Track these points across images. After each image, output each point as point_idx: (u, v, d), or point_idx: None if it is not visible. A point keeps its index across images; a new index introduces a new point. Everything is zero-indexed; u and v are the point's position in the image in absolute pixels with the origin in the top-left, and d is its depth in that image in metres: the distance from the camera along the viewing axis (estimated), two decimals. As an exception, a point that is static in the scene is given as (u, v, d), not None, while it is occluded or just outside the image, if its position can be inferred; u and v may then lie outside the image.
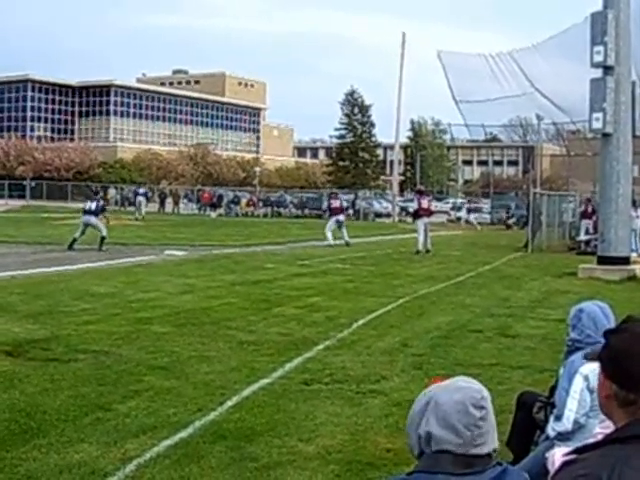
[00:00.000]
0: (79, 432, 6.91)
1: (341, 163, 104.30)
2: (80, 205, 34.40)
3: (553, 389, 5.75)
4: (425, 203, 31.29)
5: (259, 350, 10.44)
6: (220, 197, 72.59)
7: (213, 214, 65.17)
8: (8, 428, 6.94)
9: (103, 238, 28.20)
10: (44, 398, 7.84)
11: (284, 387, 8.57)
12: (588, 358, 2.68)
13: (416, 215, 31.22)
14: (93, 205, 29.31)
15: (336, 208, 34.79)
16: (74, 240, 28.25)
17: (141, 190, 62.25)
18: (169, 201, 76.29)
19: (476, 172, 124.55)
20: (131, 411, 7.55)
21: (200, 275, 19.58)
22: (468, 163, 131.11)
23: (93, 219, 28.82)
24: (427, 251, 29.54)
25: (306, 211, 70.46)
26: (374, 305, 14.71)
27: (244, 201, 72.79)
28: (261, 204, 72.64)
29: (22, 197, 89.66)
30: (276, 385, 8.66)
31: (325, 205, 50.54)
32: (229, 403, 7.90)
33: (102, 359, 9.61)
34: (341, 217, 34.36)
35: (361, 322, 12.76)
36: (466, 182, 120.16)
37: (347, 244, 32.47)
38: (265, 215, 69.11)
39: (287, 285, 18.11)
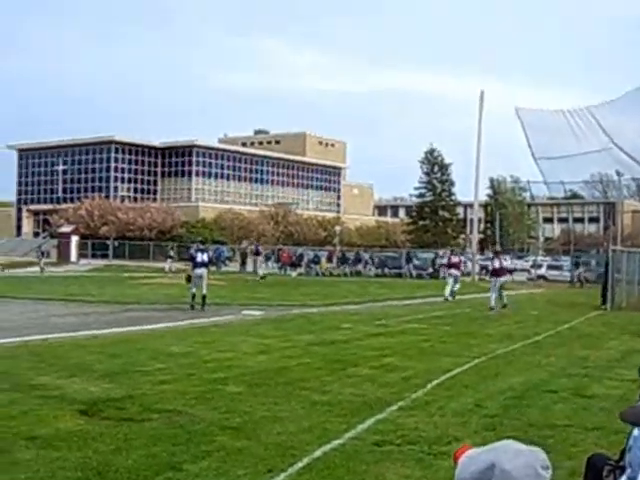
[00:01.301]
0: (149, 492, 6.97)
1: (421, 222, 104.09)
2: (159, 264, 34.66)
3: (624, 452, 5.65)
4: (497, 263, 31.76)
5: (332, 411, 10.41)
6: (300, 256, 72.83)
7: (293, 273, 65.36)
8: (79, 487, 7.02)
9: (204, 296, 28.38)
10: (116, 457, 7.89)
11: (355, 448, 8.52)
12: None
13: (493, 273, 31.83)
14: (205, 257, 29.34)
15: (455, 263, 37.58)
16: (193, 296, 28.45)
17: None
18: (249, 260, 76.71)
19: (556, 229, 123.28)
20: (202, 471, 7.57)
21: (276, 335, 19.61)
22: (549, 220, 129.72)
23: (206, 272, 28.99)
24: (504, 306, 29.89)
25: (386, 270, 70.28)
26: (449, 365, 14.60)
27: (324, 260, 72.95)
28: (341, 264, 72.65)
29: (105, 256, 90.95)
30: (347, 446, 8.61)
31: (441, 261, 51.72)
32: (300, 464, 7.87)
33: (175, 419, 9.65)
34: (457, 272, 37.16)
35: (435, 382, 12.67)
36: (547, 239, 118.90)
37: (446, 299, 33.94)
38: (345, 274, 69.10)
39: (363, 345, 18.06)
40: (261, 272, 58.47)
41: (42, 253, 69.27)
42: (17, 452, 7.93)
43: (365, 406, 10.74)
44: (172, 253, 74.34)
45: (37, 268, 68.44)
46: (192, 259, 29.23)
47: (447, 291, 36.23)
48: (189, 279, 29.25)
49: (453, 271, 37.28)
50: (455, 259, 38.43)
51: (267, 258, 61.71)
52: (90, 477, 7.24)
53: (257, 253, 62.44)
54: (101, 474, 7.34)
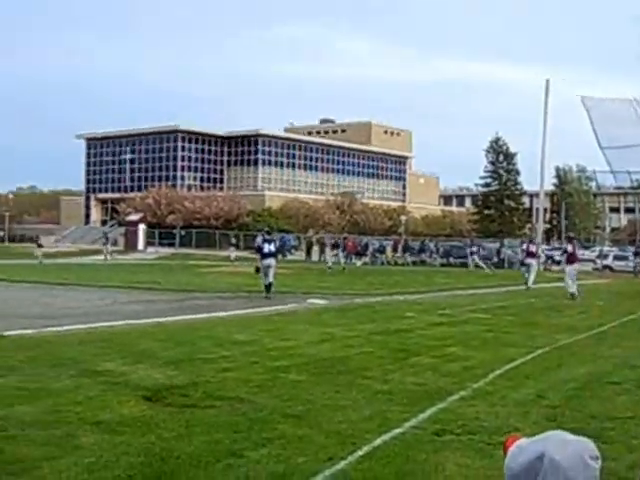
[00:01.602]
0: (210, 478, 7.04)
1: (486, 211, 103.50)
2: (224, 253, 34.74)
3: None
4: (571, 248, 31.72)
5: (393, 400, 10.43)
6: (366, 246, 72.78)
7: (358, 262, 65.36)
8: (142, 472, 7.10)
9: (270, 284, 28.58)
10: (179, 443, 7.98)
11: (415, 437, 8.54)
12: None
13: (568, 260, 31.75)
14: (272, 246, 29.45)
15: (533, 252, 38.16)
16: (268, 286, 28.61)
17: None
18: (315, 249, 76.84)
19: (623, 220, 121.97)
20: (262, 458, 7.63)
21: (340, 324, 19.65)
22: (615, 210, 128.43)
23: (274, 261, 29.16)
24: (572, 295, 29.71)
25: (451, 260, 69.98)
26: (512, 355, 14.52)
27: (389, 249, 72.88)
28: (404, 252, 72.51)
29: (172, 245, 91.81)
30: (408, 435, 8.62)
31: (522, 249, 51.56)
32: (359, 452, 7.89)
33: (238, 406, 9.73)
34: (533, 261, 37.85)
35: (497, 372, 12.62)
36: (613, 230, 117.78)
37: (528, 288, 34.08)
38: (409, 263, 68.91)
39: (426, 334, 18.03)
40: (358, 263, 58.41)
41: (107, 239, 69.92)
42: (82, 437, 8.06)
43: (426, 395, 10.75)
44: (235, 241, 74.76)
45: (103, 256, 69.28)
46: (259, 250, 29.38)
47: (531, 280, 36.60)
48: (258, 270, 29.50)
49: (530, 260, 37.27)
50: (533, 248, 38.49)
51: (335, 246, 61.62)
52: (153, 462, 7.33)
53: (336, 246, 62.23)
54: (164, 460, 7.43)
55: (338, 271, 52.96)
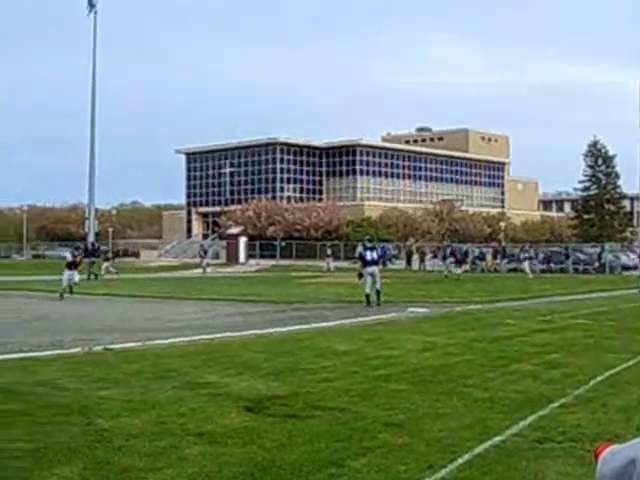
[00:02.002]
0: (311, 487, 7.14)
1: (586, 216, 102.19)
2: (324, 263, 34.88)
3: None
4: None
5: (493, 407, 10.39)
6: (466, 253, 72.40)
7: (459, 270, 65.04)
8: (243, 482, 7.24)
9: (379, 292, 29.09)
10: (280, 453, 8.07)
11: (516, 445, 8.50)
12: None
13: None
14: (375, 254, 29.77)
15: None
16: (367, 296, 29.08)
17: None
18: (415, 258, 76.79)
19: None
20: (363, 467, 7.67)
21: (440, 332, 19.59)
22: None
23: (377, 269, 29.56)
24: None
25: (551, 265, 69.16)
26: (614, 361, 14.32)
27: (489, 257, 72.46)
28: (506, 260, 71.97)
29: (273, 256, 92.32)
30: (508, 443, 8.59)
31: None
32: (460, 461, 7.89)
33: (338, 416, 9.80)
34: None
35: (599, 379, 12.46)
36: None
37: None
38: (510, 270, 68.31)
39: (526, 341, 17.88)
40: (459, 271, 58.10)
41: (205, 253, 70.36)
42: (185, 448, 8.20)
43: (527, 403, 10.68)
44: (330, 252, 75.04)
45: (208, 269, 70.03)
46: (362, 258, 29.57)
47: None
48: (361, 276, 29.78)
49: None
50: None
51: (449, 255, 61.32)
52: (255, 472, 7.43)
53: (450, 254, 61.91)
54: (265, 469, 7.52)
55: (453, 279, 52.68)
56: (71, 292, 35.57)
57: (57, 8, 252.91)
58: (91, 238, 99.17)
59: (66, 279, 35.96)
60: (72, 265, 36.85)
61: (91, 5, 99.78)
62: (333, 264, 71.93)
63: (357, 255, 31.26)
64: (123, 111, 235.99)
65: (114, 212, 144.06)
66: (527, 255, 63.62)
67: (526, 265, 61.02)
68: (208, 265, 69.46)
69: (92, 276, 54.36)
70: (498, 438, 8.74)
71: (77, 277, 36.77)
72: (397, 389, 11.67)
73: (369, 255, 29.21)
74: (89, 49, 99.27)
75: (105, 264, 59.40)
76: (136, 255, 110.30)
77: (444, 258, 61.93)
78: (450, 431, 9.07)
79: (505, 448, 8.39)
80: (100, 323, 23.57)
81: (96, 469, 7.44)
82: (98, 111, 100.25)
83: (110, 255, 66.20)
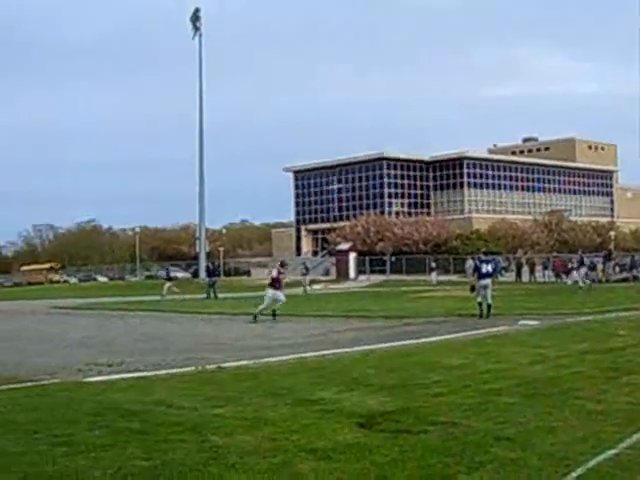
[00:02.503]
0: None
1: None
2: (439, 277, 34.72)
3: None
4: None
5: (606, 420, 10.25)
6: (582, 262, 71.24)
7: (569, 281, 64.08)
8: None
9: (489, 305, 29.26)
10: (393, 469, 8.08)
11: (630, 458, 8.37)
12: None
13: None
14: (490, 267, 30.12)
15: None
16: (480, 305, 29.37)
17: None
18: (525, 269, 75.99)
19: None
20: (475, 482, 7.70)
21: (551, 344, 19.32)
22: None
23: (490, 282, 29.75)
24: None
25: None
26: None
27: (600, 267, 71.27)
28: (617, 269, 70.71)
29: (382, 272, 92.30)
30: (622, 456, 8.46)
31: None
32: (573, 475, 7.80)
33: (450, 430, 9.77)
34: None
35: None
36: None
37: None
38: (623, 280, 67.03)
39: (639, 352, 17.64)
40: (581, 283, 57.09)
41: (307, 270, 70.21)
42: (299, 464, 8.28)
43: (641, 415, 10.55)
44: (435, 265, 74.76)
45: (317, 286, 70.20)
46: (477, 270, 29.74)
47: None
48: (473, 289, 29.91)
49: None
50: None
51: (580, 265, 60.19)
52: (365, 488, 7.48)
53: (581, 265, 60.86)
54: (376, 485, 7.57)
55: (585, 290, 51.80)
56: (274, 315, 31.84)
57: (163, 35, 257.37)
58: (202, 257, 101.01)
59: (270, 298, 32.02)
60: (275, 283, 32.45)
61: (195, 28, 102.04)
62: (437, 277, 71.63)
63: (472, 268, 31.52)
64: (231, 131, 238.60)
65: (224, 231, 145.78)
66: (574, 265, 62.29)
67: (577, 276, 59.65)
68: (313, 282, 69.09)
69: (212, 295, 54.87)
70: (612, 451, 8.63)
71: (283, 297, 32.67)
72: (508, 402, 11.60)
73: (484, 268, 29.60)
74: (196, 72, 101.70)
75: (168, 284, 58.83)
76: (247, 274, 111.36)
77: (576, 269, 60.73)
78: (563, 444, 8.99)
79: (619, 462, 8.28)
80: (213, 342, 23.89)
81: (211, 486, 7.58)
82: (207, 132, 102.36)
83: (172, 275, 65.83)
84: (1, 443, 9.30)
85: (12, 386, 14.31)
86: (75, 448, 9.00)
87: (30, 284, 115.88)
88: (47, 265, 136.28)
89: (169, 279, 60.73)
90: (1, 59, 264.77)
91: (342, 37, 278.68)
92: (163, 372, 16.15)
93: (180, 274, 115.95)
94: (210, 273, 60.00)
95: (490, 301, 29.15)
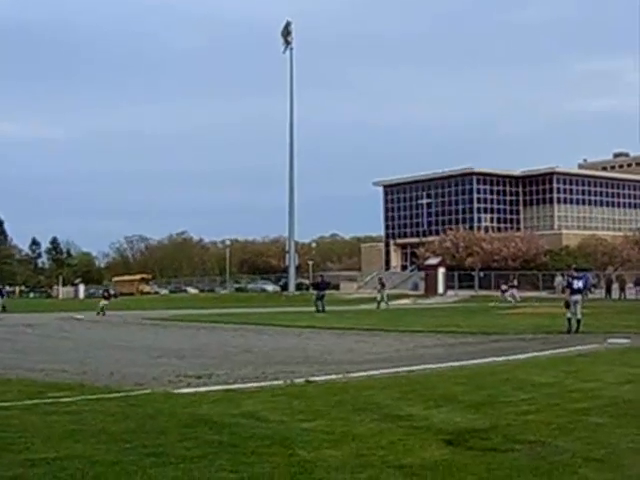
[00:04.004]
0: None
1: None
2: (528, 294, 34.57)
3: None
4: None
5: (699, 442, 10.14)
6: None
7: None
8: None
9: (579, 321, 29.59)
10: (480, 487, 8.10)
11: None
12: None
13: None
14: (580, 283, 30.34)
15: None
16: (569, 321, 29.71)
17: None
18: (615, 287, 75.02)
19: None
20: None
21: (643, 364, 19.16)
22: None
23: (580, 298, 30.08)
24: None
25: None
26: None
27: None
28: None
29: (471, 287, 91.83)
30: None
31: None
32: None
33: (538, 449, 9.70)
34: None
35: None
36: None
37: None
38: None
39: None
40: None
41: (382, 285, 69.53)
42: (385, 481, 8.34)
43: None
44: (514, 283, 73.89)
45: (405, 300, 69.91)
46: (569, 286, 30.02)
47: None
48: (568, 305, 30.00)
49: None
50: None
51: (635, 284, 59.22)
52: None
53: None
54: (466, 503, 7.57)
55: (633, 308, 51.14)
56: None
57: (255, 48, 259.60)
58: (292, 271, 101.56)
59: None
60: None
61: (287, 42, 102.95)
62: (514, 294, 70.75)
63: (563, 284, 31.77)
64: (321, 145, 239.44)
65: (314, 245, 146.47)
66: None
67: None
68: (386, 299, 68.05)
69: (320, 308, 54.68)
70: None
71: None
72: (598, 422, 11.48)
73: (576, 284, 29.91)
74: (286, 86, 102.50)
75: (103, 302, 57.30)
76: (336, 287, 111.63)
77: None
78: (653, 467, 8.90)
79: None
80: (303, 355, 24.06)
81: (298, 500, 7.64)
82: (299, 146, 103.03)
83: (108, 293, 63.06)
84: (93, 452, 9.45)
85: (105, 395, 14.58)
86: (165, 459, 9.13)
87: (121, 295, 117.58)
88: (138, 276, 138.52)
89: (106, 297, 60.00)
90: (103, 69, 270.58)
91: (434, 51, 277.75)
92: (252, 385, 16.30)
93: (270, 287, 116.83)
94: (319, 286, 59.32)
95: (580, 317, 29.52)
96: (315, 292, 59.36)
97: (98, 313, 53.81)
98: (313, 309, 55.07)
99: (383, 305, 65.86)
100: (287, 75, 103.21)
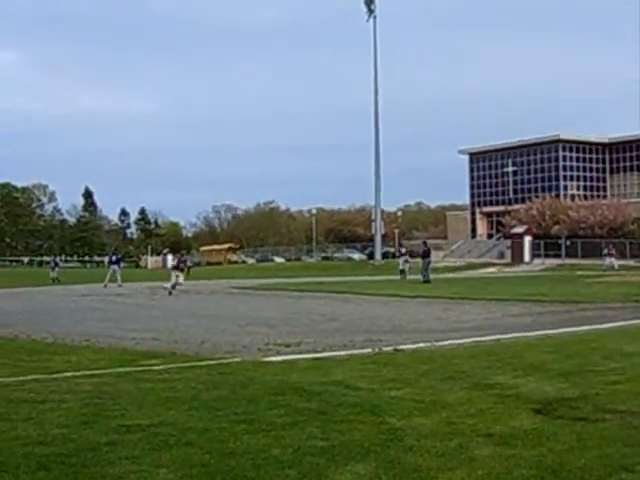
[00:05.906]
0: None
1: None
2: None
3: None
4: None
5: None
6: None
7: None
8: (533, 484, 7.32)
9: None
10: (569, 456, 7.98)
11: None
12: None
13: None
14: None
15: None
16: None
17: None
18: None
19: None
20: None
21: None
22: None
23: None
24: None
25: None
26: None
27: None
28: None
29: (557, 256, 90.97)
30: None
31: None
32: None
33: (629, 419, 9.59)
34: None
35: None
36: None
37: None
38: None
39: None
40: None
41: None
42: (475, 449, 8.28)
43: None
44: (607, 251, 72.82)
45: (491, 269, 69.45)
46: None
47: None
48: None
49: None
50: None
51: None
52: (545, 475, 7.37)
53: None
54: (555, 472, 7.46)
55: None
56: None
57: (337, 18, 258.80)
58: (378, 240, 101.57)
59: None
60: None
61: (370, 11, 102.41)
62: (615, 263, 69.76)
63: None
64: (408, 114, 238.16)
65: (399, 213, 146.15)
66: (610, 252, 59.79)
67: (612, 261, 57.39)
68: (487, 265, 67.54)
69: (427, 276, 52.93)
70: None
71: None
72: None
73: None
74: (371, 54, 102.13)
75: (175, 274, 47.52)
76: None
77: None
78: None
79: None
80: (389, 324, 24.13)
81: (388, 467, 7.59)
82: (383, 115, 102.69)
83: (184, 264, 52.94)
84: (186, 419, 9.61)
85: (196, 364, 14.81)
86: (256, 426, 9.23)
87: (209, 264, 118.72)
88: (226, 246, 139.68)
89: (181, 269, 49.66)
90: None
91: (519, 14, 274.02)
92: (341, 353, 16.42)
93: (356, 256, 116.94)
94: (424, 254, 56.22)
95: None
96: (422, 260, 56.35)
97: (173, 287, 44.60)
98: (398, 277, 54.56)
99: (409, 277, 60.49)
100: (371, 44, 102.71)
